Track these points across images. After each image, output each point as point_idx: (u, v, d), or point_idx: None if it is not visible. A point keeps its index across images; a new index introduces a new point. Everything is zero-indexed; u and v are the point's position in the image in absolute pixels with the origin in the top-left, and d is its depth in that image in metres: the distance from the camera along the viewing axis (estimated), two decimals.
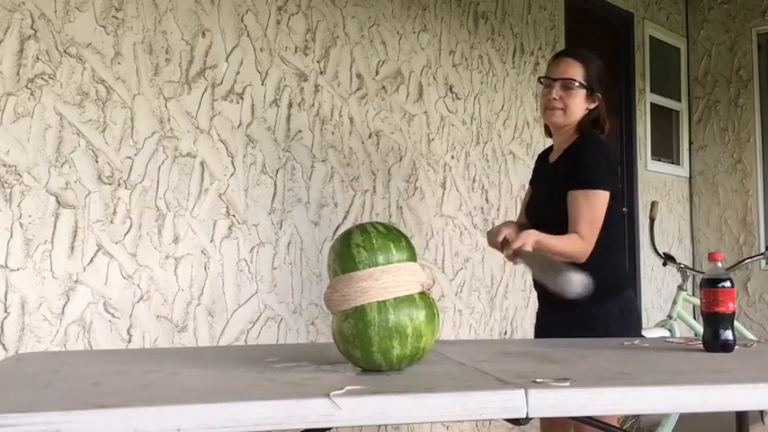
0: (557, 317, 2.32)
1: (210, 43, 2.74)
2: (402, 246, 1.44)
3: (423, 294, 1.42)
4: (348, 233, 1.45)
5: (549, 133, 2.46)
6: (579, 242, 2.17)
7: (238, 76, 2.82)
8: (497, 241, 2.23)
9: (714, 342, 1.77)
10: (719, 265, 1.81)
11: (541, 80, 2.38)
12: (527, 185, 2.60)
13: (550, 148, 2.48)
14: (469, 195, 3.77)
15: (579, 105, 2.28)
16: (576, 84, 2.26)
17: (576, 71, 2.27)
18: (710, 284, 1.77)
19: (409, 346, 1.38)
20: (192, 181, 2.65)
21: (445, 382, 1.33)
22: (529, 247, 2.08)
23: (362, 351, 1.37)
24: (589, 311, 2.19)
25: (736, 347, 1.78)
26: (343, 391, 1.16)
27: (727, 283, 1.77)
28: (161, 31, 2.60)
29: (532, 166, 2.63)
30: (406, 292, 1.39)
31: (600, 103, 2.31)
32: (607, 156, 2.30)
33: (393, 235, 1.45)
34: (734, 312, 1.79)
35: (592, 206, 2.19)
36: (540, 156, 2.57)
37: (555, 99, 2.27)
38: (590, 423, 1.47)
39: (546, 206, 2.34)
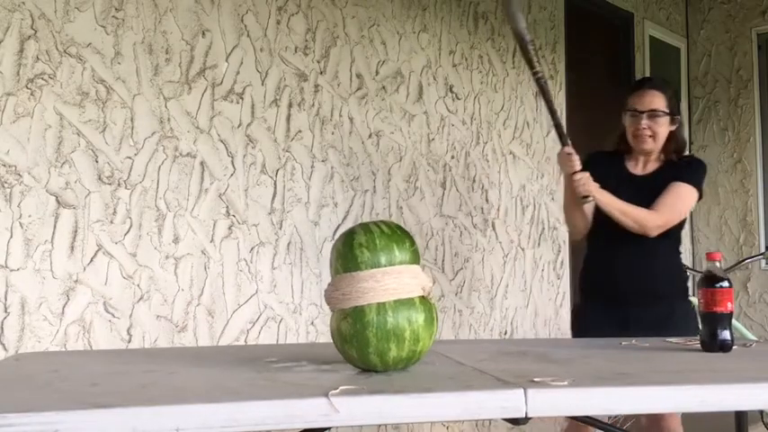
0: (643, 311, 2.45)
1: (210, 43, 2.74)
2: (405, 247, 1.43)
3: (423, 298, 1.42)
4: (351, 232, 1.44)
5: (626, 150, 2.60)
6: (649, 213, 2.42)
7: (238, 76, 2.82)
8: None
9: (712, 342, 1.77)
10: (717, 264, 1.81)
11: (628, 112, 2.55)
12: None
13: (616, 153, 2.62)
14: (469, 195, 3.77)
15: (665, 131, 2.52)
16: (661, 113, 2.49)
17: (659, 101, 2.50)
18: (708, 284, 1.77)
19: (406, 348, 1.37)
20: (191, 181, 2.65)
21: (444, 381, 1.33)
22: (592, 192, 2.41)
23: (359, 351, 1.37)
24: (679, 305, 2.52)
25: (734, 347, 1.78)
26: (343, 390, 1.16)
27: (725, 283, 1.77)
28: (161, 31, 2.60)
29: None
30: (406, 294, 1.38)
31: (679, 125, 2.57)
32: (706, 172, 2.59)
33: (397, 236, 1.43)
34: (732, 312, 1.78)
35: (681, 195, 2.47)
36: (599, 156, 2.63)
37: (645, 128, 2.50)
38: (590, 423, 1.47)
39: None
